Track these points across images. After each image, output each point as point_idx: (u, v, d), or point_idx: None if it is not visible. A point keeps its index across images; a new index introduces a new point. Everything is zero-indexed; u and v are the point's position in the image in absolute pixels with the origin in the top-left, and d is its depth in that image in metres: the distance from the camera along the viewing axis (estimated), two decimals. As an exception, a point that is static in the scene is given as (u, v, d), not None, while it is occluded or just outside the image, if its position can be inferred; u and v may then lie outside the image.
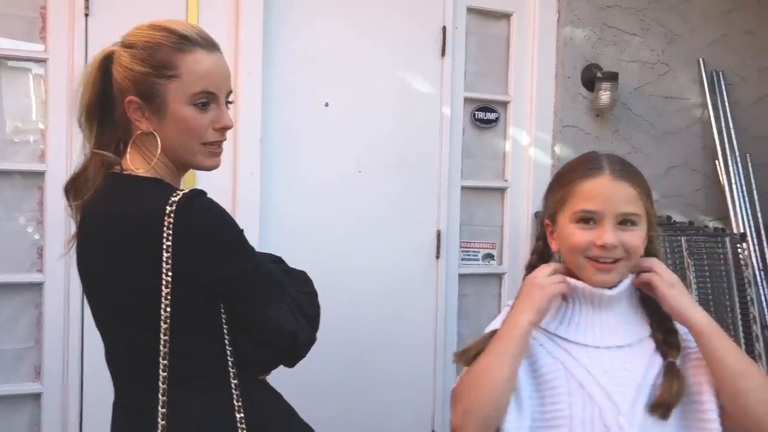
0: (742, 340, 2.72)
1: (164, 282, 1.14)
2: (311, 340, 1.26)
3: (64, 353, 2.21)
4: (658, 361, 1.21)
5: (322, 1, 2.49)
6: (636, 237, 1.20)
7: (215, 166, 1.30)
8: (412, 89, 2.63)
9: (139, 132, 1.22)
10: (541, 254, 1.32)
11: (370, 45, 2.56)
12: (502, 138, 2.84)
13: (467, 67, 2.75)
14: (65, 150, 2.19)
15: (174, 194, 1.15)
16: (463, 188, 2.76)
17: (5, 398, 2.19)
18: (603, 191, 1.20)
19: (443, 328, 2.69)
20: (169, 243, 1.13)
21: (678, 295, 1.17)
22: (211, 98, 1.23)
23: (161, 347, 1.16)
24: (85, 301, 2.11)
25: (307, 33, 2.47)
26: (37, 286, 2.21)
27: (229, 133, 2.29)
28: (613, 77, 2.79)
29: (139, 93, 1.20)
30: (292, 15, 2.44)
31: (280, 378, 1.54)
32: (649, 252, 1.26)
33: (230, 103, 1.29)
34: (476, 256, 2.83)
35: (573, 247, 1.21)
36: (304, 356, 1.27)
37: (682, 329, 1.22)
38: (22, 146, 2.22)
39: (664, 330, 1.22)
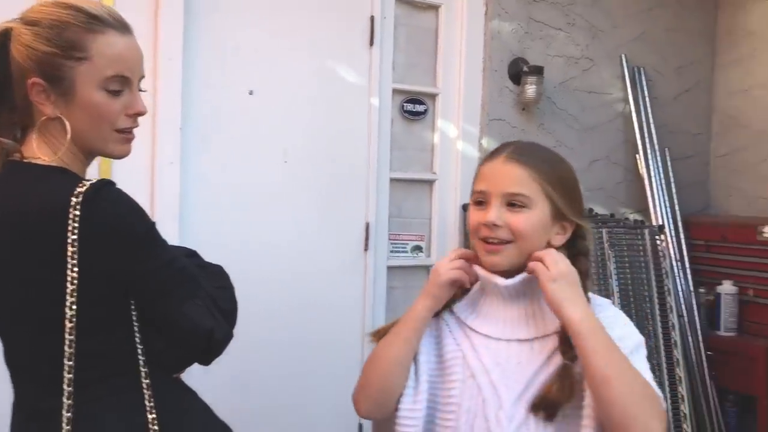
0: (660, 329, 2.81)
1: (69, 278, 1.07)
2: (228, 337, 1.21)
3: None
4: (557, 360, 1.15)
5: (246, -14, 2.42)
6: (522, 220, 1.17)
7: (126, 154, 1.23)
8: (339, 79, 2.59)
9: (44, 117, 1.14)
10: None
11: (296, 33, 2.51)
12: (430, 130, 2.84)
13: (396, 59, 2.73)
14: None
15: (80, 184, 1.07)
16: (392, 180, 2.74)
17: None
18: (493, 172, 1.20)
19: (371, 321, 2.67)
20: (75, 237, 1.05)
21: (558, 290, 1.11)
22: (124, 83, 1.15)
23: (66, 348, 1.09)
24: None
25: (232, 19, 2.40)
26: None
27: (147, 121, 2.23)
28: (538, 71, 2.82)
29: (44, 75, 1.11)
30: (214, 0, 2.36)
31: (201, 375, 1.49)
32: (578, 248, 1.23)
33: (142, 91, 1.22)
34: (405, 248, 2.83)
35: (469, 228, 1.23)
36: (221, 354, 1.22)
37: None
38: None
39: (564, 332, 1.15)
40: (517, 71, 2.86)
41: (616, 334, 1.12)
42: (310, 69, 2.54)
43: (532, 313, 1.21)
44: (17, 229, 1.09)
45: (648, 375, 1.12)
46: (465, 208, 2.81)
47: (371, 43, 2.63)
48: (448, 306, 1.27)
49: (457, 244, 2.83)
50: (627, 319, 1.23)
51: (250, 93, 2.44)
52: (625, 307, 2.76)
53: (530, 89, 2.81)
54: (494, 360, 1.19)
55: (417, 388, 1.23)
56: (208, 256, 1.37)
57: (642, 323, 2.79)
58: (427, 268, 2.84)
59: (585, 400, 1.10)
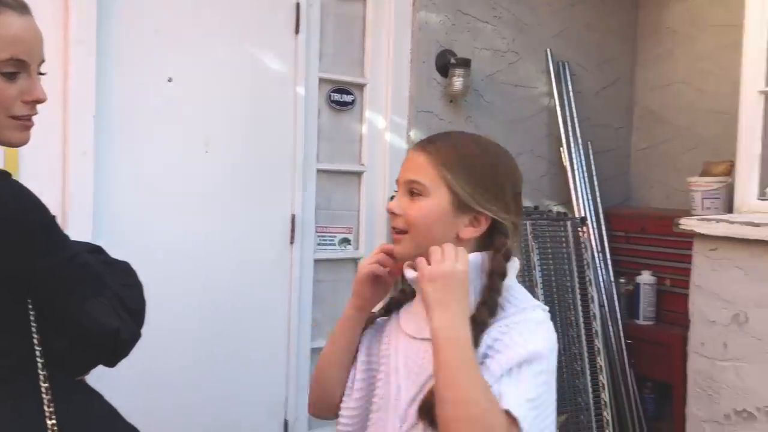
0: (581, 319, 2.87)
1: None
2: (135, 338, 1.16)
3: None
4: None
5: (165, -32, 2.32)
6: (416, 209, 1.11)
7: (24, 142, 1.15)
8: (264, 67, 2.53)
9: None
10: None
11: (219, 18, 2.42)
12: (358, 121, 2.81)
13: (323, 48, 2.68)
14: None
15: None
16: (319, 171, 2.69)
17: None
18: (405, 160, 1.17)
19: (297, 315, 2.63)
20: None
21: (432, 291, 1.03)
22: (21, 67, 1.08)
23: None
24: None
25: (150, 1, 2.29)
26: None
27: (58, 109, 2.12)
28: (465, 64, 2.83)
29: None
30: (131, -19, 2.26)
31: (122, 377, 1.42)
32: (494, 244, 1.13)
33: (42, 74, 1.14)
34: (332, 240, 2.79)
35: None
36: (127, 355, 1.16)
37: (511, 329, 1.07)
38: None
39: (474, 328, 1.06)
40: (445, 63, 2.86)
41: (506, 343, 1.04)
42: (234, 56, 2.46)
43: None
44: None
45: (529, 393, 1.00)
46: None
47: (297, 30, 2.57)
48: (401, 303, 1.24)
49: (385, 236, 2.81)
50: (538, 327, 1.09)
51: (170, 80, 2.34)
52: (548, 298, 2.81)
53: (458, 81, 2.82)
54: (405, 360, 1.15)
55: (352, 387, 1.22)
56: (126, 251, 1.31)
57: (564, 313, 2.85)
58: (355, 261, 2.82)
59: None
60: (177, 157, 2.37)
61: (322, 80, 2.67)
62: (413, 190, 1.12)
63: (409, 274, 1.13)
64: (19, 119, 1.11)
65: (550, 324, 1.12)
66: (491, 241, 1.13)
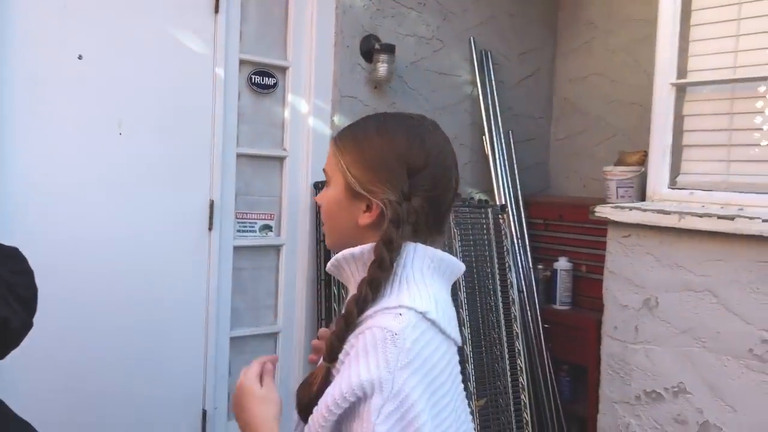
0: (501, 304, 2.92)
1: None
2: (27, 327, 1.10)
3: None
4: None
5: (74, -62, 2.19)
6: (323, 198, 1.12)
7: None
8: (181, 46, 2.43)
9: None
10: None
11: (133, -6, 2.31)
12: (281, 105, 2.74)
13: (244, 28, 2.60)
14: None
15: None
16: (239, 156, 2.62)
17: None
18: None
19: (216, 304, 2.56)
20: None
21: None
22: None
23: None
24: None
25: (56, -27, 2.16)
26: None
27: None
28: (390, 50, 2.81)
29: None
30: (36, -50, 2.12)
31: (24, 362, 1.34)
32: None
33: None
34: (253, 227, 2.72)
35: None
36: (18, 345, 1.09)
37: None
38: None
39: (336, 330, 1.01)
40: (369, 48, 2.83)
41: (350, 368, 0.94)
42: (150, 34, 2.35)
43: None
44: None
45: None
46: (317, 186, 2.75)
47: (216, 9, 2.48)
48: None
49: (308, 222, 2.77)
50: (383, 351, 0.93)
51: (80, 57, 2.22)
52: (469, 284, 2.84)
53: (382, 67, 2.79)
54: None
55: None
56: (34, 239, 1.23)
57: (484, 299, 2.89)
58: (276, 248, 2.77)
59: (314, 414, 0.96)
60: (87, 139, 2.25)
61: (242, 62, 2.60)
62: (325, 180, 1.13)
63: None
64: None
65: (401, 334, 0.94)
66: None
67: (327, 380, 0.98)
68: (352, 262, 1.06)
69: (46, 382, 2.16)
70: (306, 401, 0.99)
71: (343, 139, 1.10)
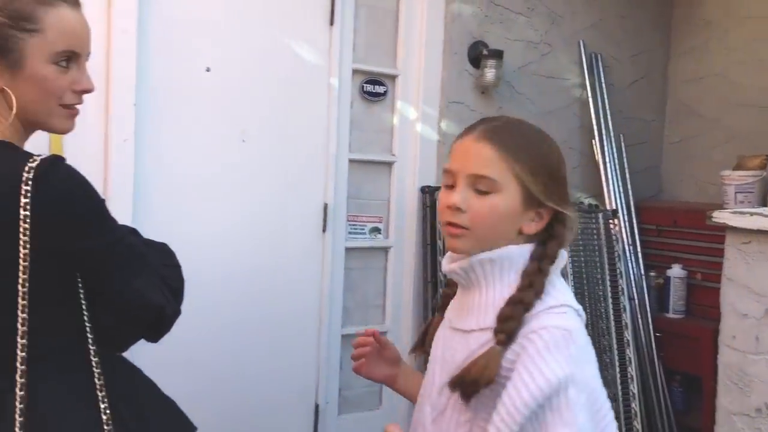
0: (611, 311, 2.88)
1: (21, 256, 1.05)
2: (177, 314, 1.22)
3: None
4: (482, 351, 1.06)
5: (204, -40, 2.37)
6: (487, 206, 1.06)
7: (70, 129, 1.21)
8: (299, 58, 2.56)
9: None
10: None
11: (256, 9, 2.46)
12: (390, 112, 2.83)
13: (356, 39, 2.71)
14: None
15: (30, 160, 1.05)
16: (351, 161, 2.73)
17: None
18: (462, 150, 1.10)
19: (328, 302, 2.67)
20: (27, 213, 1.03)
21: None
22: (74, 58, 1.15)
23: (19, 325, 1.07)
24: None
25: (188, -7, 2.35)
26: None
27: (100, 97, 2.18)
28: (498, 55, 2.84)
29: None
30: (171, -27, 2.31)
31: (153, 353, 1.47)
32: (553, 232, 1.10)
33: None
34: (363, 229, 2.82)
35: (438, 210, 1.14)
36: (169, 330, 1.22)
37: (542, 324, 1.03)
38: None
39: (508, 310, 1.05)
40: (477, 55, 2.87)
41: (535, 366, 0.99)
42: (270, 47, 2.50)
43: (478, 305, 1.11)
44: None
45: (579, 416, 0.97)
46: (423, 190, 2.82)
47: (332, 22, 2.60)
48: None
49: (415, 226, 2.84)
50: (567, 349, 1.00)
51: (208, 70, 2.39)
52: (579, 290, 2.82)
53: (489, 73, 2.83)
54: (441, 349, 1.16)
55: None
56: (163, 236, 1.36)
57: (594, 305, 2.85)
58: (385, 250, 2.85)
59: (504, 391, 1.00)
60: (214, 146, 2.42)
61: (355, 71, 2.70)
62: (480, 186, 1.07)
63: (443, 265, 1.16)
64: (68, 108, 1.17)
65: (574, 331, 1.03)
66: (549, 230, 1.11)
67: (496, 358, 1.02)
68: (489, 266, 1.09)
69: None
70: (475, 379, 1.02)
71: (512, 144, 1.07)
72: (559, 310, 1.05)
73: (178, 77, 2.34)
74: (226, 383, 2.47)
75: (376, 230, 2.85)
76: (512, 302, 1.06)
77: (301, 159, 2.59)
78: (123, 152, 2.21)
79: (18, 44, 1.09)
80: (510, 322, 1.03)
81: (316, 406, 2.68)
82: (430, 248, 2.78)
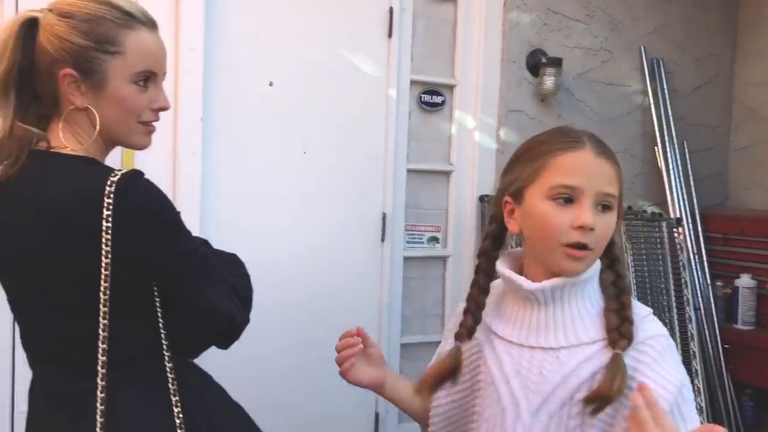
0: (676, 322, 2.81)
1: (103, 265, 1.10)
2: (246, 322, 1.26)
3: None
4: (586, 370, 1.06)
5: (266, -23, 2.43)
6: (605, 224, 1.07)
7: (147, 145, 1.27)
8: (358, 70, 2.61)
9: (71, 107, 1.17)
10: (495, 238, 1.20)
11: (316, 23, 2.52)
12: (447, 121, 2.84)
13: (414, 50, 2.73)
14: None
15: (112, 174, 1.11)
16: (409, 171, 2.75)
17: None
18: (584, 166, 1.06)
19: (387, 311, 2.69)
20: (109, 225, 1.09)
21: None
22: (151, 77, 1.21)
23: (100, 331, 1.13)
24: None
25: (252, 9, 2.41)
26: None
27: (169, 112, 2.23)
28: (557, 63, 2.82)
29: (77, 66, 1.14)
30: (235, -9, 2.38)
31: (217, 361, 1.52)
32: (613, 253, 1.14)
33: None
34: (421, 239, 2.84)
35: (548, 229, 1.07)
36: (238, 338, 1.26)
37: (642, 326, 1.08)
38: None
39: (618, 317, 1.07)
40: (536, 63, 2.86)
41: (658, 374, 1.03)
42: (330, 60, 2.55)
43: (561, 321, 1.10)
44: (51, 218, 1.12)
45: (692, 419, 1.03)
46: (482, 199, 2.81)
47: (390, 34, 2.63)
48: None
49: (473, 235, 2.84)
50: (674, 354, 1.08)
51: (270, 84, 2.46)
52: (642, 300, 2.75)
53: (549, 81, 2.81)
54: (515, 367, 1.12)
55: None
56: (228, 245, 1.41)
57: (659, 316, 2.78)
58: (443, 259, 2.86)
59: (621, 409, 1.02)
60: (277, 157, 2.48)
61: (413, 82, 2.73)
62: (606, 203, 1.07)
63: (527, 284, 1.11)
64: (146, 125, 1.23)
65: (669, 337, 1.10)
66: (609, 249, 1.13)
67: (624, 367, 1.03)
68: (585, 282, 1.10)
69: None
70: (615, 393, 1.01)
71: (617, 161, 1.10)
72: (651, 318, 1.11)
73: (242, 92, 2.41)
74: (286, 391, 2.51)
75: (435, 239, 2.86)
76: (620, 309, 1.08)
77: (360, 169, 2.63)
78: (191, 165, 2.29)
79: (101, 66, 1.15)
80: (628, 327, 1.06)
81: (376, 415, 2.70)
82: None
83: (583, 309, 1.10)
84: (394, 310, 2.72)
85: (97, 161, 1.19)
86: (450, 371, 1.16)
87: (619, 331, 1.05)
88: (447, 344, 1.27)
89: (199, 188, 2.30)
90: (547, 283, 1.09)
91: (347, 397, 2.62)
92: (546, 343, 1.10)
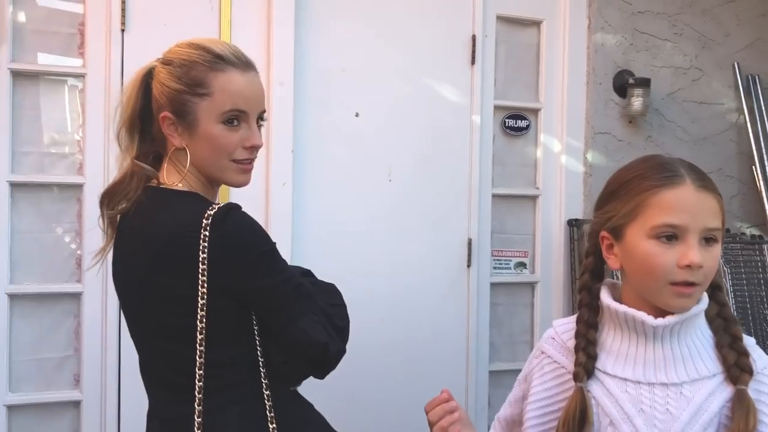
0: (782, 350, 2.66)
1: (200, 294, 1.16)
2: (341, 353, 1.28)
3: (102, 362, 2.25)
4: (714, 404, 1.06)
5: (352, 11, 2.51)
6: (712, 258, 1.05)
7: (245, 183, 1.32)
8: (441, 98, 2.64)
9: (173, 147, 1.25)
10: (593, 272, 1.18)
11: (400, 54, 2.57)
12: (533, 145, 2.83)
13: (497, 75, 2.74)
14: (102, 162, 2.25)
15: (210, 208, 1.18)
16: (494, 196, 2.74)
17: (47, 405, 2.25)
18: (688, 203, 1.04)
19: (475, 338, 2.68)
20: (205, 256, 1.15)
21: None
22: (242, 117, 1.25)
23: (197, 358, 1.18)
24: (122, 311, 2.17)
25: (338, 43, 2.49)
26: (76, 296, 2.26)
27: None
28: (645, 83, 2.76)
29: (173, 109, 1.23)
30: (322, 26, 2.47)
31: (308, 387, 1.56)
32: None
33: (263, 121, 1.31)
34: (508, 264, 2.82)
35: (653, 269, 1.05)
36: (334, 368, 1.28)
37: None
38: (59, 159, 2.27)
39: (735, 351, 1.07)
40: (623, 83, 2.81)
41: None
42: (413, 89, 2.59)
43: (680, 355, 1.08)
44: (156, 248, 1.20)
45: None
46: (571, 223, 2.77)
47: (473, 61, 2.66)
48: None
49: (562, 259, 2.79)
50: None
51: (356, 115, 2.52)
52: (743, 326, 2.63)
53: (637, 101, 2.76)
54: (636, 406, 1.08)
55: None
56: (318, 273, 1.44)
57: (761, 344, 2.65)
58: (531, 285, 2.83)
59: None
60: (363, 185, 2.53)
61: (496, 107, 2.73)
62: (711, 238, 1.05)
63: (650, 320, 1.08)
64: (240, 163, 1.28)
65: None
66: None
67: (750, 402, 1.05)
68: (700, 316, 1.10)
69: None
70: (748, 430, 1.02)
71: (720, 194, 1.08)
72: (755, 347, 1.11)
73: (329, 123, 2.49)
74: (376, 417, 2.53)
75: (522, 265, 2.83)
76: (733, 341, 1.09)
77: (445, 195, 2.65)
78: (282, 195, 2.37)
79: (193, 108, 1.22)
80: (746, 360, 1.07)
81: (465, 442, 2.67)
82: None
83: (698, 342, 1.09)
84: (482, 336, 2.70)
85: (198, 195, 1.25)
86: (581, 418, 1.09)
87: (738, 365, 1.06)
88: (520, 389, 1.26)
89: (289, 217, 2.38)
90: (671, 319, 1.07)
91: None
92: (668, 379, 1.07)
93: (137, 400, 2.14)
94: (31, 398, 2.22)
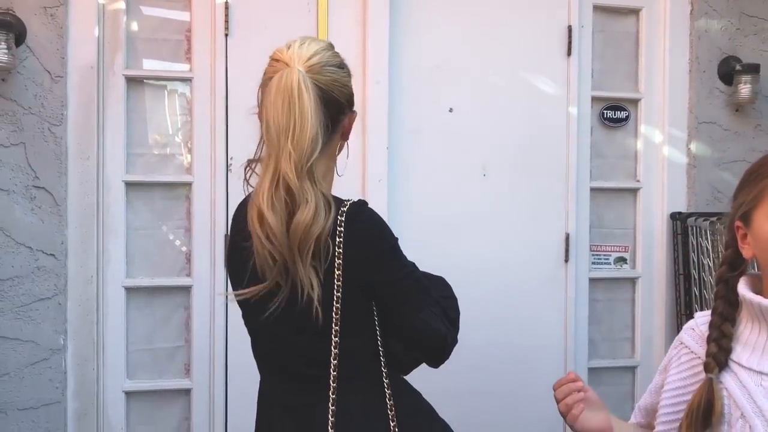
0: None
1: (335, 287, 1.21)
2: (455, 342, 1.31)
3: (211, 352, 2.36)
4: None
5: (445, 7, 2.52)
6: None
7: None
8: (537, 90, 2.60)
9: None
10: (731, 264, 1.17)
11: (493, 48, 2.56)
12: (633, 137, 2.75)
13: (594, 66, 2.68)
14: (209, 161, 2.35)
15: (343, 205, 1.23)
16: (593, 189, 2.68)
17: (160, 392, 2.39)
18: None
19: (574, 334, 2.63)
20: (340, 251, 1.20)
21: None
22: None
23: (332, 348, 1.24)
24: (230, 304, 2.26)
25: (431, 39, 2.51)
26: (186, 289, 2.38)
27: (358, 142, 2.41)
28: (754, 69, 2.62)
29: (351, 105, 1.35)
30: (416, 23, 2.49)
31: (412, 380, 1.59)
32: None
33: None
34: (608, 259, 2.75)
35: None
36: (448, 358, 1.32)
37: None
38: (169, 159, 2.40)
39: None
40: (729, 70, 2.68)
41: None
42: (508, 82, 2.58)
43: None
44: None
45: None
46: (674, 217, 2.67)
47: (569, 52, 2.61)
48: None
49: (665, 254, 2.70)
50: None
51: (450, 110, 2.53)
52: None
53: (744, 89, 2.63)
54: (755, 402, 1.06)
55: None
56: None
57: None
58: (632, 280, 2.75)
59: None
60: (458, 180, 2.53)
61: (594, 98, 2.67)
62: None
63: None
64: None
65: None
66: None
67: None
68: None
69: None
70: None
71: None
72: None
73: (424, 119, 2.51)
74: (473, 411, 2.52)
75: (622, 260, 2.76)
76: None
77: (541, 189, 2.61)
78: (378, 191, 2.41)
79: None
80: None
81: (564, 440, 2.63)
82: (683, 278, 2.62)
83: None
84: (580, 332, 2.65)
85: (338, 198, 1.28)
86: (707, 408, 1.08)
87: None
88: (659, 378, 1.25)
89: (385, 214, 2.40)
90: None
91: (534, 420, 2.60)
92: (765, 368, 1.06)
93: (244, 390, 2.27)
94: (145, 385, 2.37)
